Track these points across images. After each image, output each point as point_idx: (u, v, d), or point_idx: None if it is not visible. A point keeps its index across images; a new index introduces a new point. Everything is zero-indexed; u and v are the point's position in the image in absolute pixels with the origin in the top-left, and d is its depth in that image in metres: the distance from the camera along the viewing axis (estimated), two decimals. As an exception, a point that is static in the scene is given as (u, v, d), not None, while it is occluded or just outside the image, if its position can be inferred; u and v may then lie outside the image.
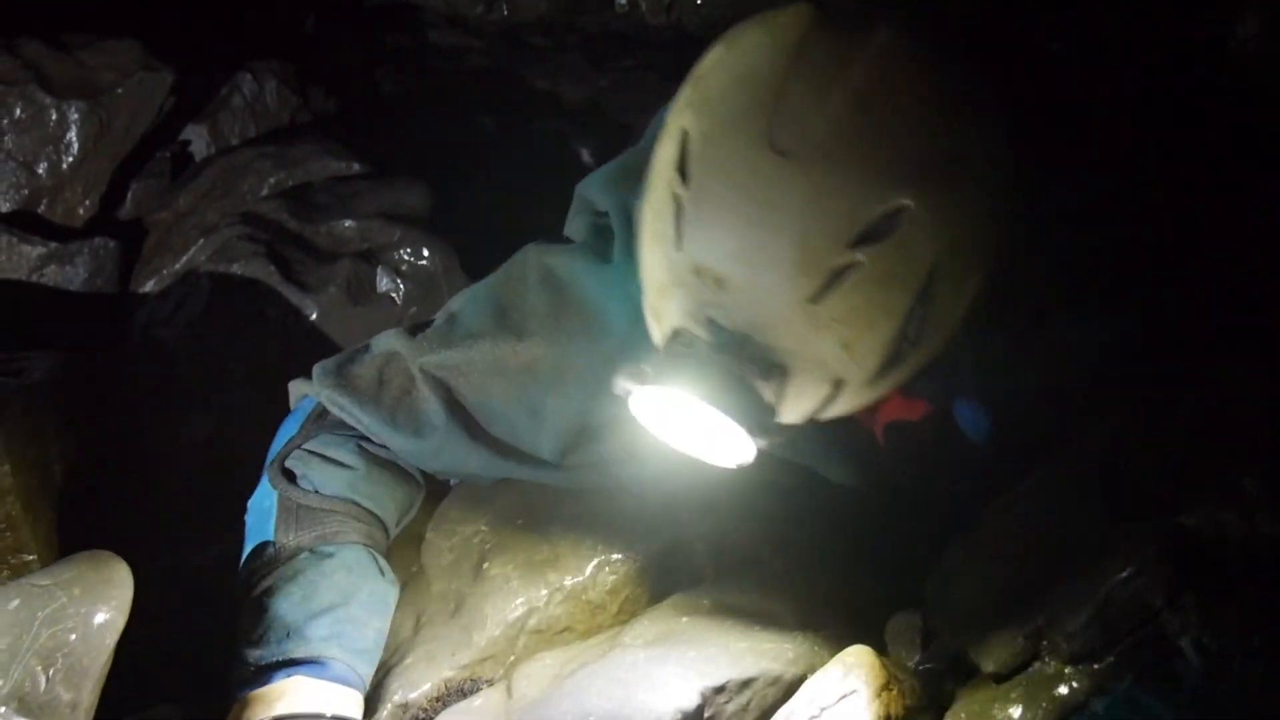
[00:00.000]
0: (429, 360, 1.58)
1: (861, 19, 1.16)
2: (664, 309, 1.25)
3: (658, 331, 1.29)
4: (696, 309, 1.20)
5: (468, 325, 1.59)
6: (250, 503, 1.65)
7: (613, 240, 1.53)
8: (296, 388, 1.70)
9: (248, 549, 1.59)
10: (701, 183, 1.16)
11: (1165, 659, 1.11)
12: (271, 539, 1.55)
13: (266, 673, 1.43)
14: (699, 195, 1.16)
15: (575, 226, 1.63)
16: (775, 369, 1.19)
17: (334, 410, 1.60)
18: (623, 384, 1.23)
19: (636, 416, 1.30)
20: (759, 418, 1.19)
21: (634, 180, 1.34)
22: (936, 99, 1.15)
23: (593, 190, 1.60)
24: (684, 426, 1.28)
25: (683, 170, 1.17)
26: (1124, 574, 1.14)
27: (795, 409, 1.25)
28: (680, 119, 1.20)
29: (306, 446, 1.62)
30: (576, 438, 1.57)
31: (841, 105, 1.12)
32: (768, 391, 1.19)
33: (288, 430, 1.67)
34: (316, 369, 1.65)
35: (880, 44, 1.14)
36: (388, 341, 1.63)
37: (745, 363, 1.17)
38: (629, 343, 1.44)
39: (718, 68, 1.19)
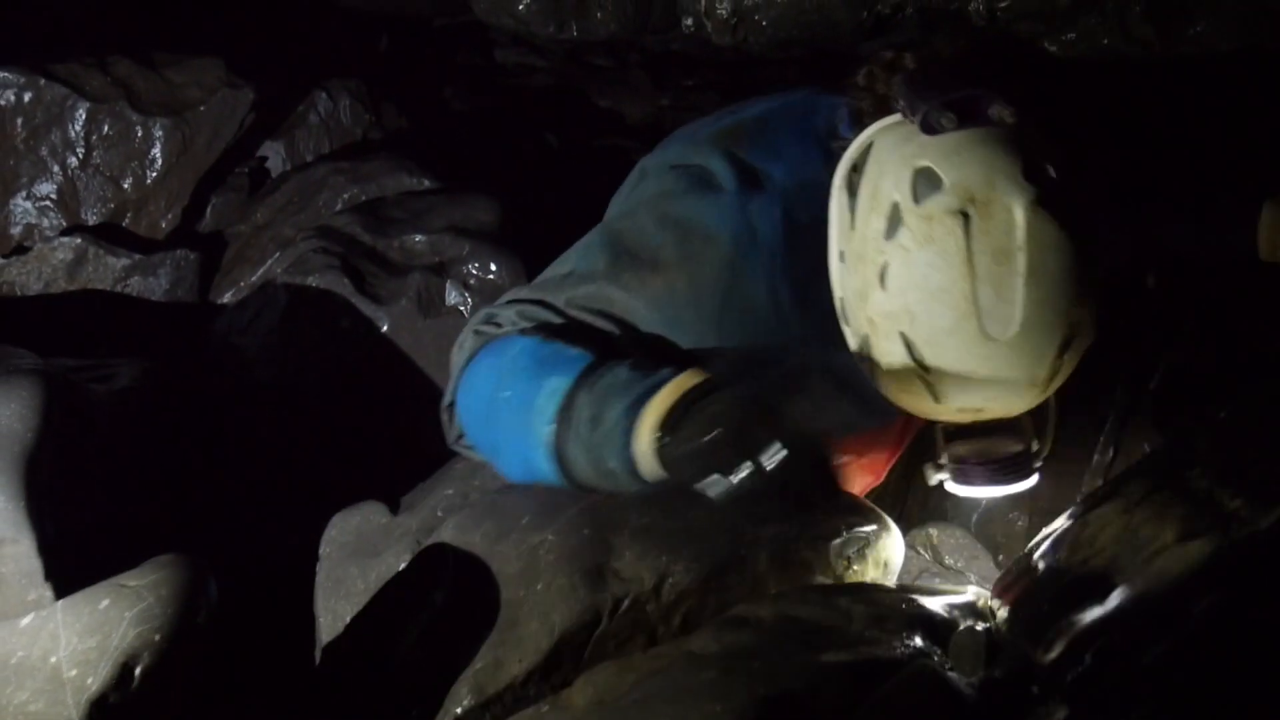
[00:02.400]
0: (576, 294, 1.74)
1: (996, 205, 1.42)
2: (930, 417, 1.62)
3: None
4: (963, 420, 1.59)
5: (593, 270, 1.74)
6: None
7: (709, 182, 1.75)
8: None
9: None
10: (943, 369, 1.48)
11: (1231, 680, 1.08)
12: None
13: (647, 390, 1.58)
14: (944, 376, 1.49)
15: (657, 184, 1.82)
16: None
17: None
18: (933, 478, 1.70)
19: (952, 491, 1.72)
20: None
21: (736, 139, 1.78)
22: (1070, 239, 1.44)
23: (682, 153, 1.83)
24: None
25: (918, 360, 1.48)
26: (1197, 596, 1.12)
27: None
28: (894, 324, 1.48)
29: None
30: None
31: (1021, 291, 1.42)
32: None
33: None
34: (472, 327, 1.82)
35: (1024, 228, 1.42)
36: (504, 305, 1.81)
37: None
38: (748, 248, 1.70)
39: (910, 287, 1.45)
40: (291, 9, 3.53)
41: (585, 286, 1.75)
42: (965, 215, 1.42)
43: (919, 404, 1.56)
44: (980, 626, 1.48)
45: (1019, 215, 1.41)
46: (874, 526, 1.75)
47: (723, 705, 1.34)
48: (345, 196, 2.83)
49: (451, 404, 1.81)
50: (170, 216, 2.80)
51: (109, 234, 2.71)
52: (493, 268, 2.52)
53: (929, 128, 1.46)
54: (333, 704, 1.68)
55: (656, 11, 2.28)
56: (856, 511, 1.76)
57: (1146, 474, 1.51)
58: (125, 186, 2.72)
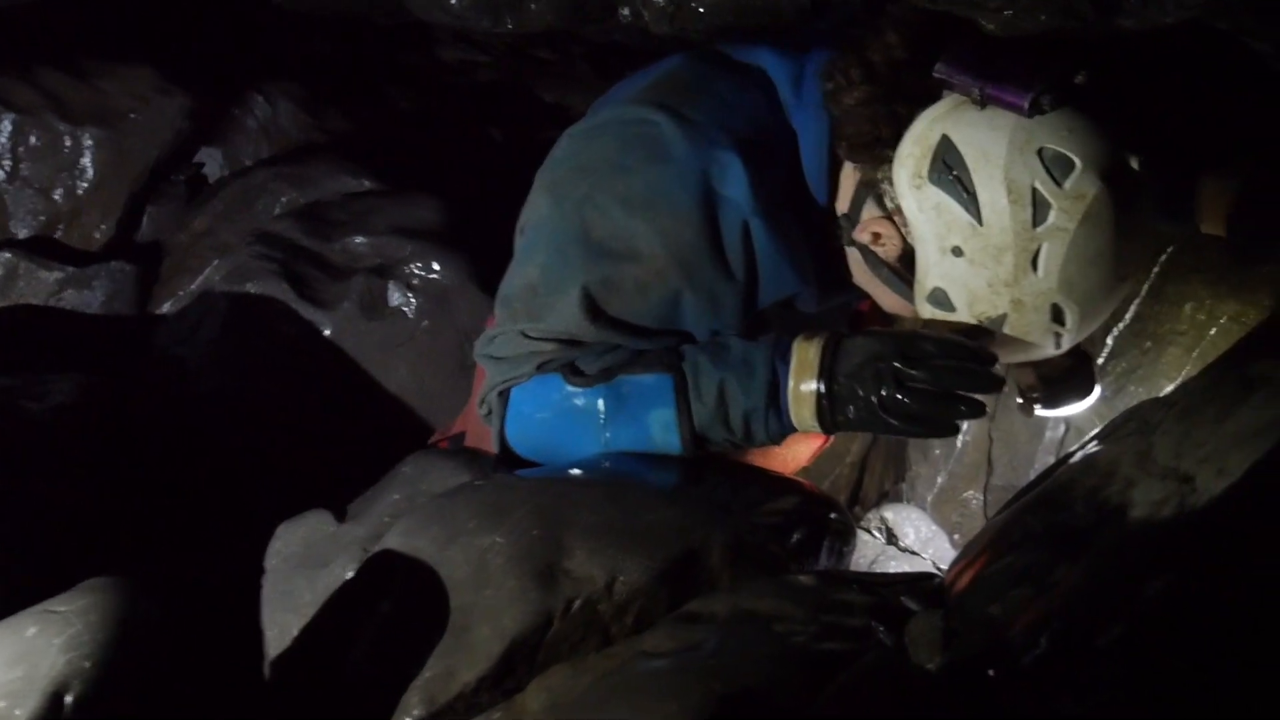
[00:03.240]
0: (563, 311, 1.72)
1: (1117, 164, 1.55)
2: (1029, 358, 1.71)
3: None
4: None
5: (567, 275, 1.71)
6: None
7: (654, 143, 1.70)
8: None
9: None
10: (1082, 318, 1.60)
11: (1193, 659, 1.06)
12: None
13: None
14: (1080, 323, 1.61)
15: (601, 148, 1.75)
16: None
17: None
18: (1029, 412, 1.84)
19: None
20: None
21: (672, 93, 1.74)
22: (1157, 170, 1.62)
23: (624, 110, 1.77)
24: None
25: (1060, 322, 1.60)
26: (1155, 571, 1.09)
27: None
28: (1048, 298, 1.57)
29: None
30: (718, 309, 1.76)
31: (1139, 229, 1.60)
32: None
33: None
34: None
35: (1140, 177, 1.58)
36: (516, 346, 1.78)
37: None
38: (719, 216, 1.69)
39: (1068, 260, 1.55)
40: (225, 12, 3.46)
41: (565, 299, 1.71)
42: (1105, 184, 1.53)
43: (1034, 354, 1.67)
44: (937, 611, 1.46)
45: (1137, 167, 1.57)
46: (827, 514, 1.73)
47: (679, 704, 1.31)
48: (285, 200, 2.78)
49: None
50: (104, 228, 2.74)
51: (41, 247, 2.64)
52: (436, 267, 2.48)
53: (1038, 109, 1.53)
54: (282, 719, 1.64)
55: (593, 1, 2.23)
56: (810, 499, 1.74)
57: (1099, 451, 1.49)
58: (56, 198, 2.65)
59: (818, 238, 1.80)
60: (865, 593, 1.55)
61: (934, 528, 2.27)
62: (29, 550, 1.63)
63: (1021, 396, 1.84)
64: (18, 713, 1.18)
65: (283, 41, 3.64)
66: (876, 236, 1.69)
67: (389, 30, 3.88)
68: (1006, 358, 1.68)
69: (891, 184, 1.64)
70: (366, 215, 2.65)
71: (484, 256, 2.55)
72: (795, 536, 1.68)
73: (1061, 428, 2.20)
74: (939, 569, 2.11)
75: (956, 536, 2.28)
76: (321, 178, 2.85)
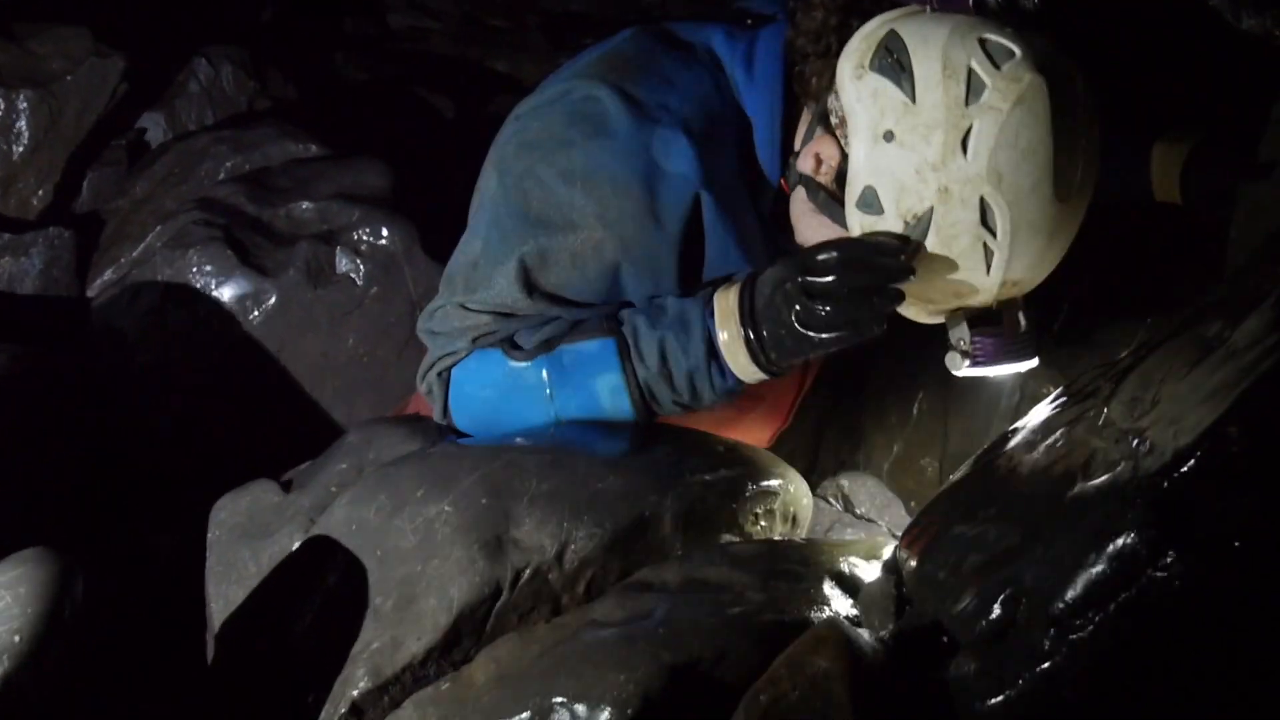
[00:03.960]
0: (503, 286, 1.69)
1: (1059, 70, 1.51)
2: (947, 306, 1.64)
3: (933, 318, 1.67)
4: (990, 302, 1.61)
5: (507, 248, 1.69)
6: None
7: (598, 118, 1.69)
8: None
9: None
10: (1012, 234, 1.52)
11: (1147, 623, 1.05)
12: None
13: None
14: (1010, 242, 1.52)
15: (546, 124, 1.73)
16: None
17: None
18: (956, 366, 1.65)
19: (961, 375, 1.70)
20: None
21: (616, 70, 1.71)
22: (1099, 117, 1.58)
23: (569, 85, 1.74)
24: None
25: (989, 226, 1.51)
26: (1109, 535, 1.08)
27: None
28: (976, 188, 1.50)
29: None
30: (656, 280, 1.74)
31: (1081, 154, 1.53)
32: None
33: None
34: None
35: (1082, 94, 1.53)
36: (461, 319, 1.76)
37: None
38: (665, 198, 1.68)
39: (999, 147, 1.48)
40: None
41: (501, 269, 1.69)
42: (1045, 76, 1.48)
43: (964, 283, 1.58)
44: (890, 578, 1.45)
45: (1079, 81, 1.53)
46: (780, 480, 1.72)
47: (626, 674, 1.30)
48: (228, 166, 2.73)
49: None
50: (41, 193, 2.67)
51: (-25, 213, 2.58)
52: (384, 233, 2.44)
53: (982, 5, 1.56)
54: (227, 691, 1.61)
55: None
56: (762, 466, 1.73)
57: (1051, 416, 1.48)
58: (-10, 163, 2.58)
59: (767, 221, 1.79)
60: (817, 560, 1.54)
61: (890, 495, 2.26)
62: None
63: (954, 351, 1.72)
64: (-58, 688, 1.14)
65: (227, 3, 3.57)
66: (818, 162, 1.66)
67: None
68: (939, 295, 1.62)
69: (837, 94, 1.62)
70: (312, 181, 2.60)
71: (434, 224, 2.52)
72: (747, 503, 1.66)
73: (1017, 395, 2.19)
74: (895, 536, 2.10)
75: (913, 504, 2.27)
76: (266, 143, 2.79)
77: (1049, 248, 1.57)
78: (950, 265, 1.56)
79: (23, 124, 2.60)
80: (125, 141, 2.89)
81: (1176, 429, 1.12)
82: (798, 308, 1.56)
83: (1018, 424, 1.57)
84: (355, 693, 1.44)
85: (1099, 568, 1.09)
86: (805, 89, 1.70)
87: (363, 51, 3.89)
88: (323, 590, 1.59)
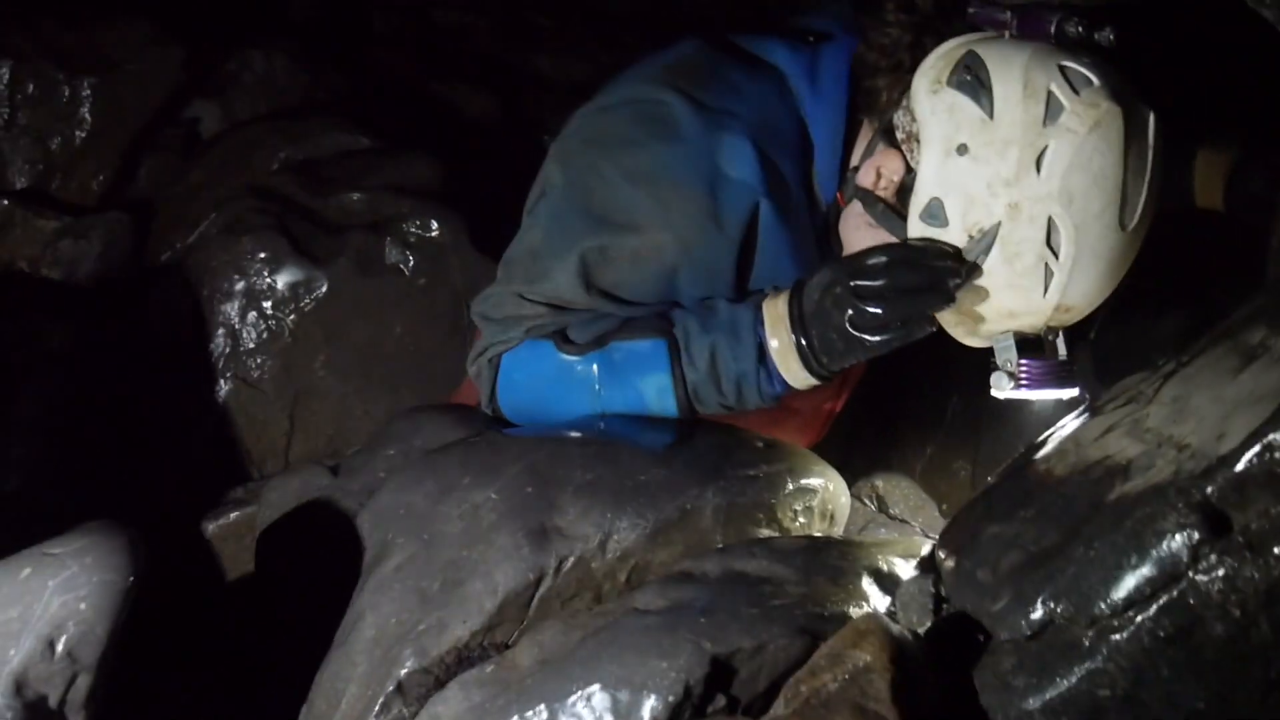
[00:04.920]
0: (561, 280, 1.71)
1: (1137, 106, 1.54)
2: (1000, 325, 1.64)
3: (979, 341, 1.68)
4: (1041, 325, 1.63)
5: (568, 243, 1.71)
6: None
7: (666, 121, 1.71)
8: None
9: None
10: (1075, 257, 1.53)
11: (1189, 623, 1.06)
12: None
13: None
14: (1071, 265, 1.54)
15: (613, 123, 1.75)
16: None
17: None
18: (1005, 387, 1.66)
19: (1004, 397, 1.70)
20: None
21: (685, 76, 1.73)
22: (1166, 146, 1.59)
23: (638, 89, 1.76)
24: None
25: (1053, 247, 1.53)
26: (1151, 537, 1.09)
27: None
28: (1046, 207, 1.52)
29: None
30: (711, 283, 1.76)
31: (1146, 188, 1.55)
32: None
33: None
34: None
35: (1154, 127, 1.56)
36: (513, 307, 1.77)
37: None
38: (729, 204, 1.70)
39: (1073, 169, 1.51)
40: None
41: (562, 264, 1.71)
42: (1123, 107, 1.51)
43: (1021, 301, 1.59)
44: (928, 576, 1.46)
45: (1152, 117, 1.56)
46: (819, 479, 1.73)
47: (668, 661, 1.31)
48: (282, 156, 2.75)
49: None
50: (101, 178, 2.70)
51: (37, 197, 2.61)
52: (434, 225, 2.47)
53: (1063, 34, 1.57)
54: (271, 669, 1.64)
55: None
56: (802, 463, 1.74)
57: (1092, 422, 1.49)
58: (53, 147, 2.62)
59: (820, 235, 1.81)
60: (856, 557, 1.55)
61: (924, 496, 2.27)
62: (25, 493, 1.62)
63: (1001, 371, 1.72)
64: (11, 652, 1.18)
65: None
66: (878, 176, 1.68)
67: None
68: (992, 314, 1.62)
69: (907, 108, 1.63)
70: (363, 173, 2.62)
71: (480, 217, 2.54)
72: (787, 500, 1.67)
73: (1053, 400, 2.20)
74: (929, 536, 2.11)
75: (945, 506, 2.29)
76: (318, 134, 2.82)
77: (1106, 275, 1.58)
78: (1008, 283, 1.57)
79: (85, 110, 2.64)
80: (181, 130, 2.92)
81: (1219, 434, 1.13)
82: (850, 311, 1.58)
83: (1056, 428, 1.58)
84: (402, 672, 1.46)
85: (1141, 569, 1.10)
86: (873, 103, 1.71)
87: (410, 47, 3.92)
88: (370, 572, 1.61)
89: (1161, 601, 1.08)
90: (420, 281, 2.44)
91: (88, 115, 2.64)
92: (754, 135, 1.70)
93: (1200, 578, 1.06)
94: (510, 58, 3.98)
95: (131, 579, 1.27)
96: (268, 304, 2.33)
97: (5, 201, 2.53)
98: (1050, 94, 1.52)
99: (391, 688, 1.47)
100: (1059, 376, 1.68)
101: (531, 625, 1.50)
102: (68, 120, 2.63)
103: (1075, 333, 1.70)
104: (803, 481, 1.70)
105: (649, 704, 1.28)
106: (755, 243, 1.72)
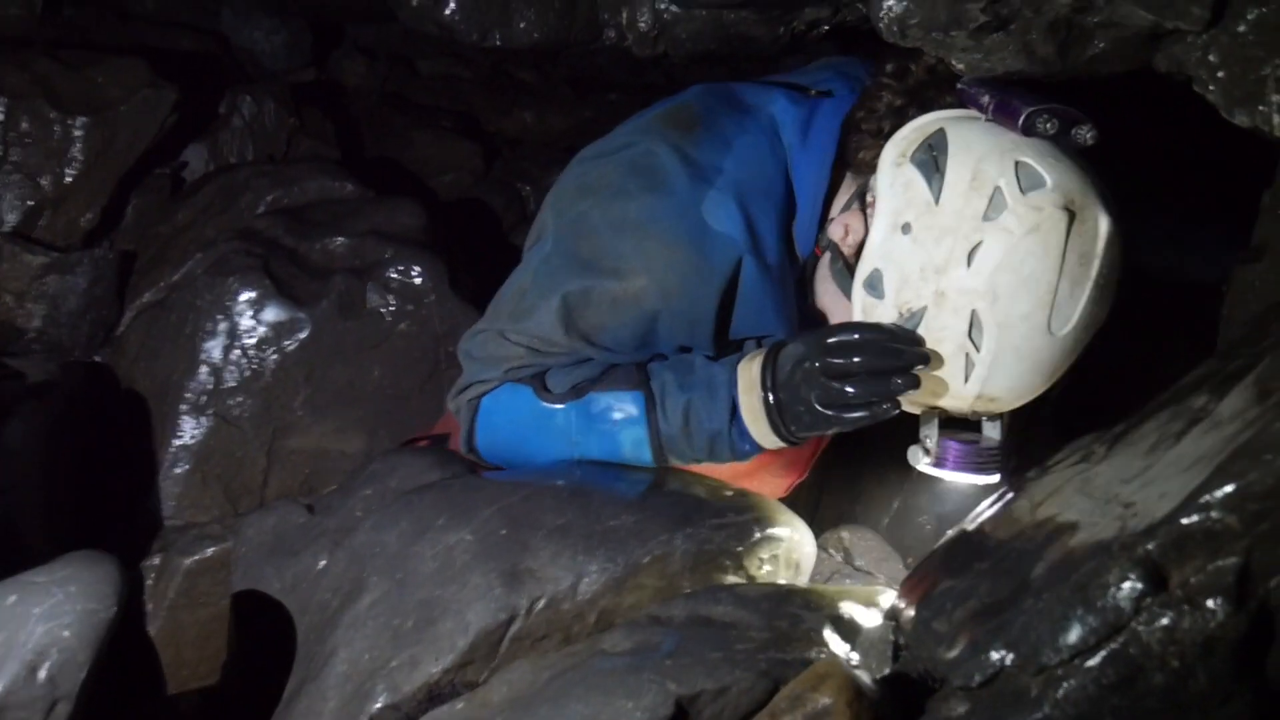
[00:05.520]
0: (544, 321, 1.74)
1: (1089, 212, 1.53)
2: (927, 402, 1.65)
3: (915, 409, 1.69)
4: (964, 410, 1.65)
5: (553, 285, 1.74)
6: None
7: (655, 173, 1.74)
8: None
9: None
10: (996, 353, 1.55)
11: (1132, 672, 1.11)
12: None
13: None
14: (992, 360, 1.55)
15: (606, 172, 1.79)
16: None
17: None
18: (921, 461, 1.71)
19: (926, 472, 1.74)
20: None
21: (678, 129, 1.77)
22: (1123, 261, 1.58)
23: (632, 138, 1.80)
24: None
25: (975, 340, 1.54)
26: (1095, 589, 1.14)
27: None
28: (970, 301, 1.53)
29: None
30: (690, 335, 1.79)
31: (1086, 296, 1.54)
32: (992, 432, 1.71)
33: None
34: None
35: (1105, 237, 1.54)
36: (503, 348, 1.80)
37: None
38: (712, 258, 1.72)
39: (1002, 269, 1.52)
40: (216, 10, 3.47)
41: (545, 304, 1.74)
42: (1070, 214, 1.50)
43: (942, 385, 1.60)
44: (889, 625, 1.50)
45: (1104, 226, 1.53)
46: (786, 529, 1.76)
47: (634, 701, 1.33)
48: (268, 199, 2.79)
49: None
50: (90, 216, 2.73)
51: (26, 232, 2.64)
52: (415, 270, 2.50)
53: (1030, 128, 1.54)
54: (242, 703, 1.65)
55: (579, 23, 2.28)
56: (769, 513, 1.77)
57: (1043, 480, 1.53)
58: (43, 184, 2.64)
59: (799, 286, 1.85)
60: (819, 605, 1.58)
61: (888, 549, 2.30)
62: (5, 526, 1.63)
63: (918, 446, 1.73)
64: (-5, 678, 1.19)
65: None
66: (846, 231, 1.72)
67: (375, 39, 3.92)
68: (920, 392, 1.61)
69: (877, 171, 1.66)
70: (347, 218, 2.66)
71: (460, 264, 2.58)
72: (754, 548, 1.71)
73: (1014, 459, 2.24)
74: (892, 587, 2.15)
75: (909, 559, 2.32)
76: (304, 179, 2.86)
77: (1032, 374, 1.59)
78: (932, 366, 1.59)
79: (76, 149, 2.66)
80: (170, 171, 2.96)
81: (1161, 494, 1.18)
82: (817, 390, 1.61)
83: (1011, 484, 1.62)
84: (374, 708, 1.48)
85: (1086, 619, 1.14)
86: (852, 161, 1.76)
87: (396, 94, 3.97)
88: (344, 609, 1.63)
89: (1105, 651, 1.12)
90: (401, 325, 2.47)
91: (79, 154, 2.67)
92: (739, 190, 1.74)
93: (1141, 629, 1.11)
94: (492, 110, 4.04)
95: (114, 609, 1.29)
96: (250, 343, 2.35)
97: (-5, 236, 2.56)
98: (996, 190, 1.52)
99: (363, 723, 1.49)
100: (978, 462, 1.68)
101: (502, 664, 1.52)
102: (59, 158, 2.66)
103: (1012, 421, 1.70)
104: (769, 531, 1.73)
105: (614, 742, 1.30)
106: (735, 296, 1.75)
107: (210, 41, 3.43)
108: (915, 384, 1.57)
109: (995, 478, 1.68)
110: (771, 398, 1.66)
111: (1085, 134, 1.57)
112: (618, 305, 1.73)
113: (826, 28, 2.14)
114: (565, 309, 1.73)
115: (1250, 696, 1.11)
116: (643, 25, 2.12)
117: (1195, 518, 1.11)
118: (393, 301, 2.47)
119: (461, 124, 3.91)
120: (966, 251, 1.53)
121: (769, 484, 2.04)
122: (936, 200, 1.56)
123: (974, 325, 1.55)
